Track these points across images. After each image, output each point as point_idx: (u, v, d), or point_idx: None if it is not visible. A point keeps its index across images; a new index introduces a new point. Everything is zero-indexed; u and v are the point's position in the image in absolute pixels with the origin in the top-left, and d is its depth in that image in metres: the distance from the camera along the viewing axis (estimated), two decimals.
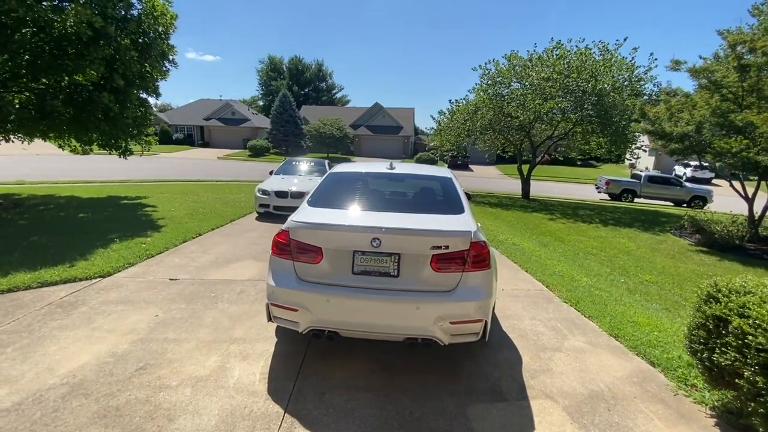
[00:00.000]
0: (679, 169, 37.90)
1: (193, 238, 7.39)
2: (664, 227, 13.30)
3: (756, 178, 10.81)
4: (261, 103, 71.24)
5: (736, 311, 2.50)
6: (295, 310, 2.92)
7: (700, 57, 9.99)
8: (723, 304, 2.61)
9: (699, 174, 35.72)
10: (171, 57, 10.96)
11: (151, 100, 11.68)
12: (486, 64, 17.34)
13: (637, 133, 15.86)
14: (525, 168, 19.51)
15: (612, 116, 15.31)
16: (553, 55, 15.93)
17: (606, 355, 3.64)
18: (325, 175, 4.07)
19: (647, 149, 20.63)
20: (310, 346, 3.52)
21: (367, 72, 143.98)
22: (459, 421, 2.64)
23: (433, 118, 20.06)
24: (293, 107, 42.64)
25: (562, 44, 16.04)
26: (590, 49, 15.48)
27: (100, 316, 3.94)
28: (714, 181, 35.93)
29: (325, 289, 2.89)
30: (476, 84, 17.91)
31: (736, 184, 11.09)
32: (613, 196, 22.70)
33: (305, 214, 3.23)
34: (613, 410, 2.84)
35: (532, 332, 4.02)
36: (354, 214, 3.28)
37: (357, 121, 47.93)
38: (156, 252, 6.28)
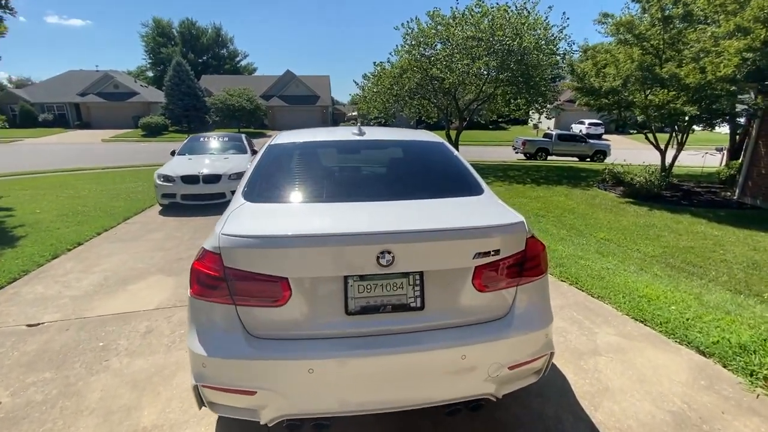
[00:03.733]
0: (576, 127, 41.51)
1: (70, 249, 5.37)
2: (588, 182, 13.89)
3: (669, 131, 11.58)
4: (150, 74, 61.68)
5: None
6: (252, 393, 1.66)
7: (627, 8, 9.98)
8: None
9: (592, 130, 39.44)
10: None
11: None
12: (408, 22, 16.18)
13: (557, 92, 16.20)
14: (452, 134, 19.19)
15: (533, 76, 15.37)
16: (475, 13, 15.31)
17: (650, 350, 2.97)
18: (263, 150, 2.69)
19: (562, 109, 21.61)
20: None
21: (272, 36, 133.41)
22: None
23: (357, 83, 18.68)
24: (191, 77, 37.30)
25: (483, 1, 15.49)
26: (509, 7, 15.16)
27: None
28: (604, 136, 40.02)
29: (301, 349, 1.66)
30: (399, 45, 16.76)
31: (651, 137, 11.76)
32: (529, 155, 23.86)
33: (245, 217, 1.90)
34: None
35: (556, 331, 3.22)
36: (333, 211, 2.01)
37: (268, 92, 43.81)
38: (7, 279, 4.29)
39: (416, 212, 1.97)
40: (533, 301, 1.91)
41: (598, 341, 3.08)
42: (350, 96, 19.74)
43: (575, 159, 23.91)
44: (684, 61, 9.09)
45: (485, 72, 15.24)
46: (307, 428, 1.80)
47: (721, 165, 14.37)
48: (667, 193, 11.55)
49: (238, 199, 2.14)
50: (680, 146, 11.44)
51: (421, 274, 1.75)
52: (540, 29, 15.32)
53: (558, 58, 14.77)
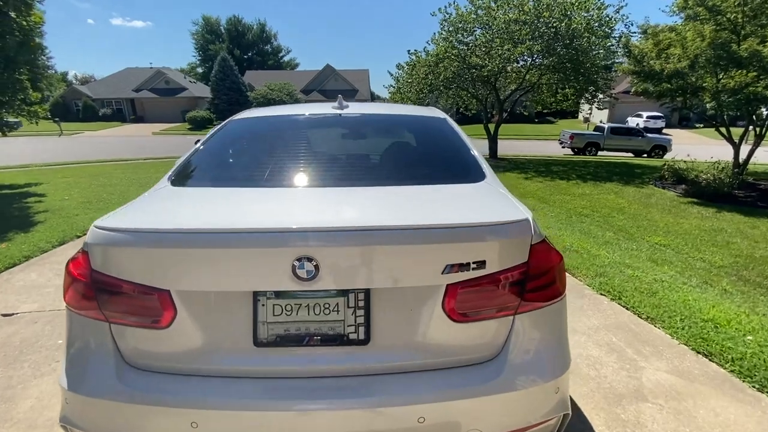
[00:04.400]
0: (632, 121, 38.32)
1: (78, 236, 5.29)
2: (643, 179, 12.50)
3: (742, 123, 10.04)
4: (200, 70, 64.42)
5: None
6: None
7: None
8: None
9: (651, 124, 36.17)
10: None
11: (65, 71, 8.89)
12: (446, 7, 15.31)
13: (610, 79, 14.71)
14: (491, 127, 18.08)
15: (583, 62, 13.99)
16: None
17: (718, 398, 2.22)
18: (220, 125, 2.23)
19: (615, 99, 19.84)
20: None
21: (314, 33, 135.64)
22: None
23: (391, 74, 17.93)
24: (235, 73, 38.43)
25: None
26: None
27: None
28: (664, 130, 36.65)
29: (184, 391, 1.17)
30: (436, 33, 15.93)
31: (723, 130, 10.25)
32: (578, 150, 22.16)
33: (146, 205, 1.45)
34: None
35: (585, 363, 2.54)
36: (261, 200, 1.50)
37: (308, 86, 44.25)
38: (6, 264, 4.21)
39: (371, 203, 1.42)
40: (540, 337, 1.30)
41: (643, 380, 2.36)
42: (387, 88, 19.14)
43: (630, 155, 21.89)
44: None
45: (528, 58, 14.06)
46: None
47: None
48: (740, 192, 10.02)
49: (161, 182, 1.69)
50: (758, 139, 9.87)
51: (366, 293, 1.20)
52: (593, 9, 13.91)
53: (613, 41, 13.29)
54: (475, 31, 15.07)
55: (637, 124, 36.67)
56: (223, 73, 37.49)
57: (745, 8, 8.10)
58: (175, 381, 1.19)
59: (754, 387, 2.30)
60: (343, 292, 1.20)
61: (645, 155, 21.75)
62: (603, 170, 14.42)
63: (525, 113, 25.66)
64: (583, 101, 17.60)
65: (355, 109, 2.30)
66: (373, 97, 52.31)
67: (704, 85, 8.87)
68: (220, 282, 1.17)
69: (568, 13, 13.06)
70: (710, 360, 2.57)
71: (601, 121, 38.99)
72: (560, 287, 1.34)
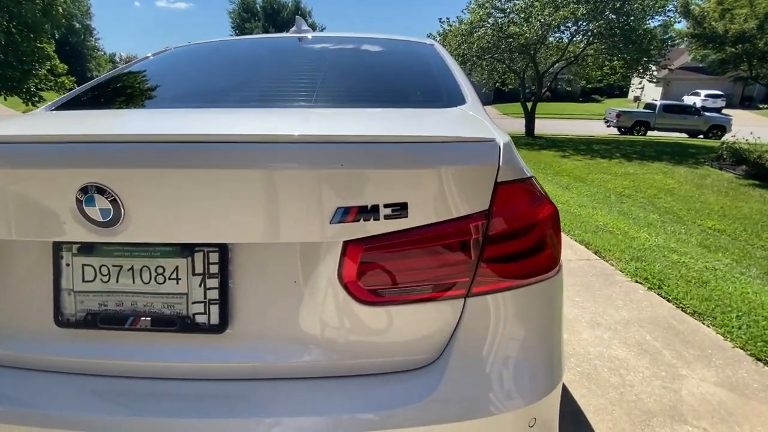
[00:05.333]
0: (688, 99, 35.03)
1: None
2: (697, 159, 11.25)
3: None
4: None
5: None
6: None
7: None
8: None
9: (710, 103, 32.85)
10: None
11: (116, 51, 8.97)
12: None
13: (666, 48, 13.14)
14: (529, 105, 16.85)
15: (635, 28, 12.50)
16: None
17: None
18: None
19: (670, 70, 17.95)
20: None
21: (348, 9, 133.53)
22: None
23: None
24: None
25: None
26: None
27: None
28: (723, 110, 33.26)
29: None
30: (471, 1, 14.78)
31: None
32: (625, 130, 20.45)
33: None
34: None
35: (608, 366, 1.99)
36: (111, 116, 1.12)
37: None
38: None
39: (246, 119, 0.97)
40: (509, 334, 0.80)
41: (683, 393, 1.80)
42: None
43: (684, 135, 19.93)
44: None
45: (571, 24, 12.77)
46: None
47: None
48: None
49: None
50: None
51: (222, 250, 0.76)
52: None
53: (672, 4, 11.75)
54: None
55: (694, 103, 33.53)
56: None
57: None
58: None
59: None
60: (186, 249, 0.76)
61: (701, 136, 19.77)
62: (651, 149, 13.09)
63: (568, 89, 23.74)
64: (634, 75, 15.92)
65: (324, 35, 1.82)
66: None
67: None
68: (8, 223, 0.76)
69: None
70: None
71: (653, 99, 35.87)
72: (550, 257, 0.83)
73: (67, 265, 0.78)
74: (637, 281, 2.94)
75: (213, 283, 0.77)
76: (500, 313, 0.80)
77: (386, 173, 0.71)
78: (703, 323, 2.38)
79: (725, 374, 1.94)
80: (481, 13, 14.12)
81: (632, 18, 12.37)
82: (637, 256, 3.39)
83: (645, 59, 13.71)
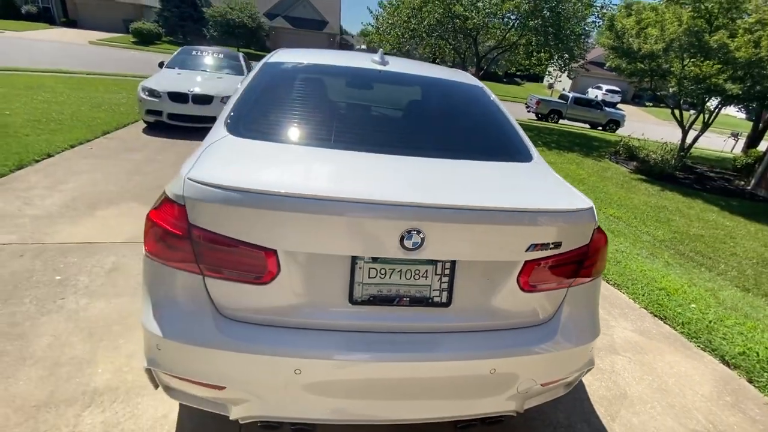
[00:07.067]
0: (592, 92, 39.65)
1: (37, 161, 4.82)
2: (600, 152, 13.33)
3: (693, 111, 10.87)
4: None
5: None
6: (219, 389, 1.29)
7: None
8: None
9: (609, 97, 37.71)
10: None
11: None
12: None
13: (585, 50, 14.98)
14: None
15: (564, 28, 14.06)
16: None
17: (672, 354, 2.70)
18: (257, 68, 2.12)
19: (585, 69, 20.28)
20: None
21: None
22: None
23: (371, 11, 16.88)
24: None
25: None
26: None
27: None
28: (618, 105, 38.50)
29: (288, 343, 1.27)
30: None
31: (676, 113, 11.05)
32: (541, 116, 22.85)
33: (224, 157, 1.42)
34: None
35: None
36: (344, 163, 1.51)
37: (273, 10, 40.31)
38: None
39: (454, 179, 1.51)
40: (583, 307, 1.53)
41: (615, 337, 2.80)
42: (362, 26, 17.97)
43: (587, 126, 23.01)
44: (737, 32, 8.18)
45: (513, 16, 13.84)
46: (287, 430, 1.47)
47: (732, 151, 13.82)
48: (681, 174, 11.08)
49: (218, 130, 1.64)
50: (705, 127, 10.80)
51: (452, 263, 1.33)
52: None
53: (596, 9, 13.38)
54: None
55: (596, 96, 38.16)
56: None
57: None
58: (276, 333, 1.27)
59: (698, 346, 2.81)
60: (432, 261, 1.31)
61: (600, 128, 23.00)
62: (565, 140, 15.10)
63: (498, 72, 25.52)
64: (554, 68, 17.88)
65: (396, 66, 2.26)
66: (342, 32, 49.20)
67: (672, 69, 9.36)
68: (324, 245, 1.23)
69: None
70: (664, 322, 3.06)
71: (564, 89, 40.01)
72: (602, 266, 1.55)
73: (360, 268, 1.28)
74: None
75: (445, 280, 1.34)
76: (582, 296, 1.50)
77: (554, 227, 1.35)
78: (621, 292, 3.46)
79: (636, 325, 2.98)
80: None
81: (562, 17, 13.86)
82: None
83: (567, 56, 15.54)
